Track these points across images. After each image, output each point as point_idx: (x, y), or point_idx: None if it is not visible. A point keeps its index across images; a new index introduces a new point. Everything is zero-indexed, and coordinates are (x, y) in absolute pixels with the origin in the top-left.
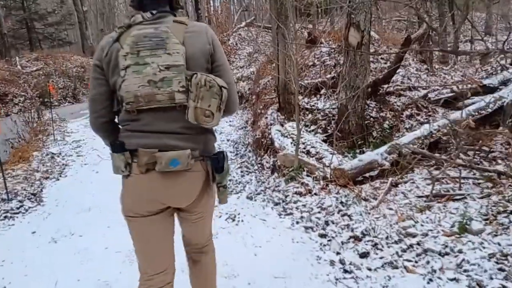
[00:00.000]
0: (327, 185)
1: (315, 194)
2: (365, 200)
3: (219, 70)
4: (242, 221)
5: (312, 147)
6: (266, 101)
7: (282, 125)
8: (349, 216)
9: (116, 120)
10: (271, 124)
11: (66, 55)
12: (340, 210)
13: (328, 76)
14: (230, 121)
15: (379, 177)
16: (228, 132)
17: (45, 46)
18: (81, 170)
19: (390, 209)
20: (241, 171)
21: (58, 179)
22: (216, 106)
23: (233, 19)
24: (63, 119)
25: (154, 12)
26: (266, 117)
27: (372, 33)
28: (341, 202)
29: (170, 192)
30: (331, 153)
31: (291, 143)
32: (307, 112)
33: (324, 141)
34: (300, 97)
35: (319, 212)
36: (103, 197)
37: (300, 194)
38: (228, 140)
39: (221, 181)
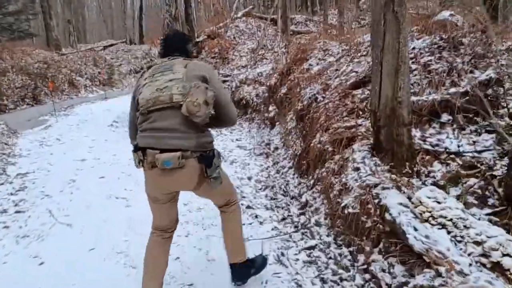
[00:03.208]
0: None
1: None
2: None
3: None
4: None
5: (506, 254)
6: (338, 132)
7: (399, 189)
8: None
9: None
10: (375, 186)
11: (27, 48)
12: None
13: (452, 90)
14: (237, 140)
15: None
16: (242, 159)
17: (4, 39)
18: (14, 252)
19: None
20: (323, 282)
21: None
22: (203, 100)
23: (231, 8)
24: (13, 131)
25: (170, 58)
26: (357, 168)
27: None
28: None
29: (170, 183)
30: None
31: (453, 240)
32: (428, 157)
33: (489, 221)
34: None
35: None
36: None
37: None
38: (249, 179)
39: (211, 174)
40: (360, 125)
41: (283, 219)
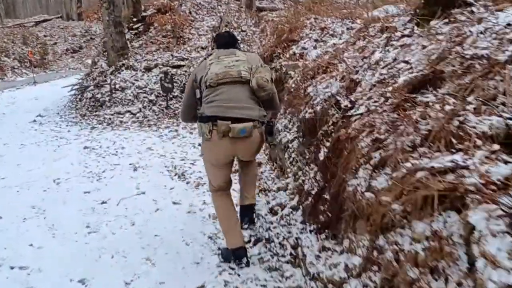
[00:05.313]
0: None
1: None
2: None
3: None
4: None
5: None
6: (418, 179)
7: None
8: None
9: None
10: None
11: None
12: None
13: None
14: (199, 145)
15: None
16: None
17: None
18: None
19: None
20: None
21: None
22: (269, 77)
23: None
24: None
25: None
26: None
27: None
28: None
29: (238, 151)
30: None
31: None
32: None
33: None
34: None
35: None
36: None
37: None
38: None
39: (272, 141)
40: (466, 167)
41: None
